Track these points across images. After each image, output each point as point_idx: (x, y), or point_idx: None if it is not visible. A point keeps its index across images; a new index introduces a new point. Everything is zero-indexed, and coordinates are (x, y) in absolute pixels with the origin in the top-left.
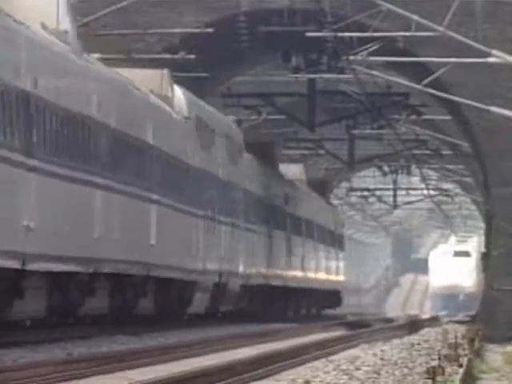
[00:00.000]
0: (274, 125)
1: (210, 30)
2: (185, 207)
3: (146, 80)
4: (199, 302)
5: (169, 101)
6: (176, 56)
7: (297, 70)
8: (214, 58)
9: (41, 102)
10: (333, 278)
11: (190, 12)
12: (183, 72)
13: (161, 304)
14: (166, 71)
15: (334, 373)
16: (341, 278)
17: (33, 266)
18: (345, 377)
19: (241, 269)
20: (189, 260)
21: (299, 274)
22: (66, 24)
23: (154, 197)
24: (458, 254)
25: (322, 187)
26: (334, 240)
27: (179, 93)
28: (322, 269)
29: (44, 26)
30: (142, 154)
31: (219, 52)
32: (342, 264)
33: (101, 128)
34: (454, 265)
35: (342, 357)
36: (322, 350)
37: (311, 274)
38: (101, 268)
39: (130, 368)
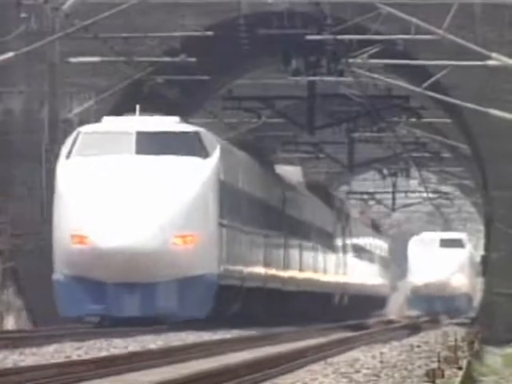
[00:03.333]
0: (274, 128)
1: (210, 33)
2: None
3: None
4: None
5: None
6: (176, 59)
7: (296, 72)
8: (215, 60)
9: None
10: (383, 286)
11: (191, 15)
12: (184, 75)
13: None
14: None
15: (333, 376)
16: (387, 286)
17: (268, 285)
18: (344, 380)
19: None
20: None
21: (370, 284)
22: (298, 175)
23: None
24: (446, 243)
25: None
26: (386, 263)
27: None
28: (380, 281)
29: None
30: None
31: (219, 55)
32: (388, 276)
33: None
34: (440, 257)
35: (341, 359)
36: (321, 352)
37: (376, 285)
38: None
39: (129, 371)
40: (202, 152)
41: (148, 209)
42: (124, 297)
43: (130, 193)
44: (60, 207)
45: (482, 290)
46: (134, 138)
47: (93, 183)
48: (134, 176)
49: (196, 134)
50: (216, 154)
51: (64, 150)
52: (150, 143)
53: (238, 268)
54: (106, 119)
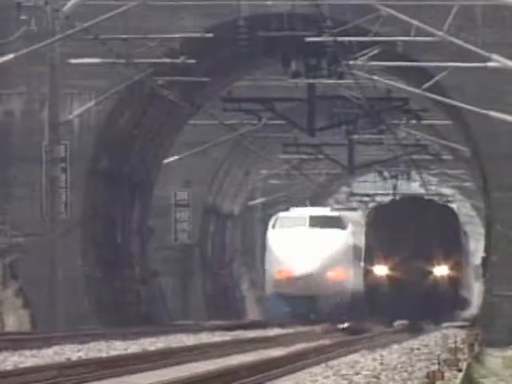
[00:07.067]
0: (274, 130)
1: (210, 35)
2: None
3: None
4: None
5: None
6: (176, 61)
7: (296, 74)
8: (214, 62)
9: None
10: None
11: (191, 17)
12: (183, 76)
13: None
14: None
15: (334, 378)
16: None
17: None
18: (344, 382)
19: None
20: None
21: None
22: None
23: None
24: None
25: None
26: None
27: None
28: None
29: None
30: None
31: (219, 57)
32: None
33: None
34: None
35: (342, 362)
36: (322, 355)
37: None
38: None
39: (128, 373)
40: (342, 226)
41: (316, 255)
42: (304, 303)
43: (307, 247)
44: (271, 255)
45: (482, 292)
46: (307, 218)
47: (288, 242)
48: (309, 238)
49: (339, 216)
50: (350, 227)
51: (270, 224)
52: (316, 221)
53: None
54: (292, 209)
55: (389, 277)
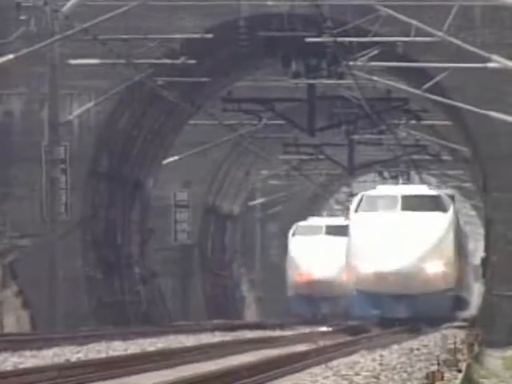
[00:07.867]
0: (274, 130)
1: (210, 35)
2: None
3: None
4: None
5: None
6: (176, 61)
7: (297, 75)
8: (214, 63)
9: None
10: None
11: (191, 17)
12: (183, 77)
13: None
14: None
15: (334, 378)
16: None
17: None
18: (344, 382)
19: None
20: None
21: None
22: None
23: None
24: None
25: None
26: None
27: None
28: None
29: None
30: None
31: (219, 57)
32: None
33: None
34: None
35: (342, 362)
36: (322, 355)
37: None
38: None
39: (128, 374)
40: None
41: (332, 260)
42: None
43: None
44: (292, 260)
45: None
46: (324, 227)
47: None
48: (325, 245)
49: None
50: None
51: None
52: (332, 229)
53: None
54: (310, 219)
55: (376, 274)
